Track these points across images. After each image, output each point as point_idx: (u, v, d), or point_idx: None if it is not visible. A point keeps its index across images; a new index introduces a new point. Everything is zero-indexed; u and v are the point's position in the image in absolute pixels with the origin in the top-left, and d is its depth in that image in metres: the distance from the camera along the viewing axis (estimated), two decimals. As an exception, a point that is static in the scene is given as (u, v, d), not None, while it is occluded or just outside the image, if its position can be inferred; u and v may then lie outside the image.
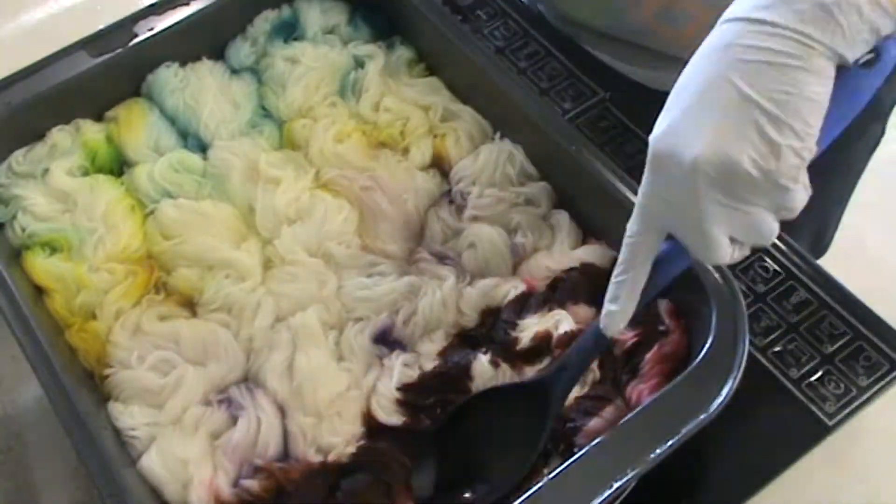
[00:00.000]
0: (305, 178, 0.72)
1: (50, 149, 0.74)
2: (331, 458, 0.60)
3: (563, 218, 0.69)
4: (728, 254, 0.49)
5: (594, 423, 0.59)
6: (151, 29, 0.76)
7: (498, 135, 0.74)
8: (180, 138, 0.76)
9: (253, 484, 0.59)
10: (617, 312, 0.53)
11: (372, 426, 0.61)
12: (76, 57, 0.74)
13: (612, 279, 0.54)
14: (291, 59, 0.78)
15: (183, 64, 0.78)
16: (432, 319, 0.65)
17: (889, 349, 0.69)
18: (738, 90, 0.44)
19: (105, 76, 0.75)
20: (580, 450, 0.54)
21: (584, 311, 0.64)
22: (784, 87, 0.44)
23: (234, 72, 0.79)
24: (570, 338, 0.61)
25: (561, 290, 0.65)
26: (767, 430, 0.67)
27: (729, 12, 0.47)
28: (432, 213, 0.71)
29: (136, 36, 0.75)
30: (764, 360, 0.69)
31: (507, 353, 0.62)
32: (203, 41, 0.79)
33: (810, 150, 0.45)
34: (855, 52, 0.45)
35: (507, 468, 0.58)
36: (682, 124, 0.46)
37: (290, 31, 0.80)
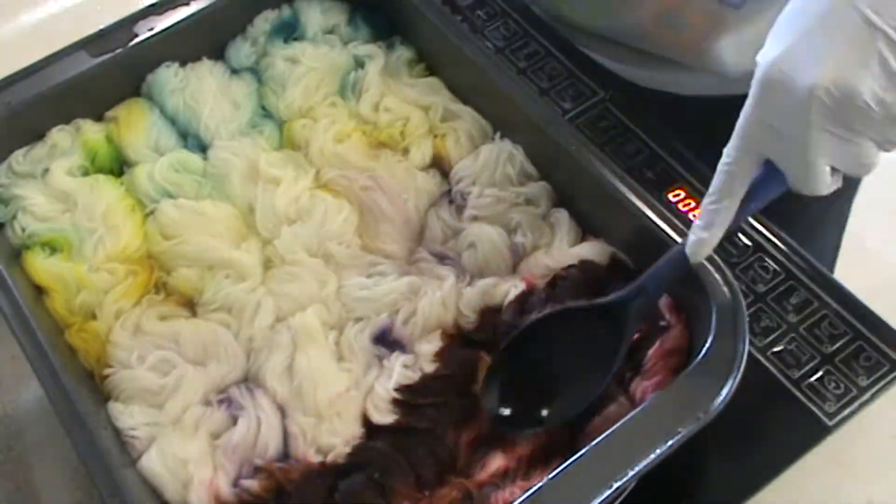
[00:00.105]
0: (305, 178, 0.72)
1: (50, 149, 0.74)
2: (330, 458, 0.60)
3: (562, 216, 0.69)
4: (827, 184, 0.48)
5: (598, 420, 0.59)
6: (151, 29, 0.76)
7: (498, 135, 0.74)
8: (180, 138, 0.76)
9: (253, 484, 0.59)
10: (706, 240, 0.53)
11: (371, 427, 0.61)
12: (76, 57, 0.74)
13: (705, 206, 0.53)
14: (291, 59, 0.78)
15: (183, 64, 0.78)
16: (432, 319, 0.65)
17: (889, 349, 0.69)
18: (864, 17, 0.42)
19: (105, 76, 0.75)
20: (582, 449, 0.54)
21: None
22: None
23: (234, 72, 0.79)
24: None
25: (560, 288, 0.64)
26: (767, 430, 0.67)
27: None
28: (432, 213, 0.71)
29: (136, 36, 0.75)
30: (764, 360, 0.69)
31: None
32: (203, 41, 0.79)
33: None
34: None
35: (581, 387, 0.58)
36: (798, 50, 0.45)
37: (290, 31, 0.80)
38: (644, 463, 0.53)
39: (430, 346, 0.63)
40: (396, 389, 0.61)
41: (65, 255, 0.69)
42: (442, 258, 0.68)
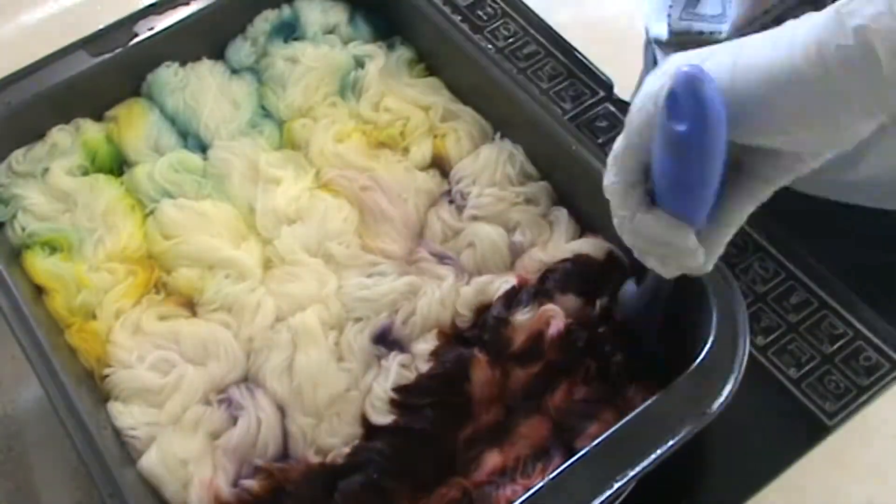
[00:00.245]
0: (305, 178, 0.72)
1: (50, 148, 0.74)
2: (330, 458, 0.60)
3: (561, 214, 0.69)
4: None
5: (595, 426, 0.59)
6: (151, 29, 0.76)
7: (498, 135, 0.74)
8: (180, 138, 0.76)
9: (252, 484, 0.59)
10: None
11: (370, 427, 0.61)
12: (76, 57, 0.74)
13: None
14: (291, 59, 0.78)
15: (183, 64, 0.78)
16: (430, 319, 0.65)
17: (889, 349, 0.69)
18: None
19: (105, 76, 0.75)
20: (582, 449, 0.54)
21: (571, 301, 0.64)
22: None
23: (234, 72, 0.79)
24: (561, 337, 0.61)
25: (550, 280, 0.65)
26: (767, 430, 0.67)
27: None
28: (432, 212, 0.71)
29: (136, 36, 0.75)
30: (764, 360, 0.69)
31: (500, 355, 0.62)
32: (203, 41, 0.79)
33: None
34: None
35: None
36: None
37: (290, 30, 0.80)
38: (644, 463, 0.53)
39: (426, 346, 0.64)
40: (394, 390, 0.61)
41: (65, 255, 0.69)
42: (441, 258, 0.68)
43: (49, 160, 0.73)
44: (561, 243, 0.67)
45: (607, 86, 0.84)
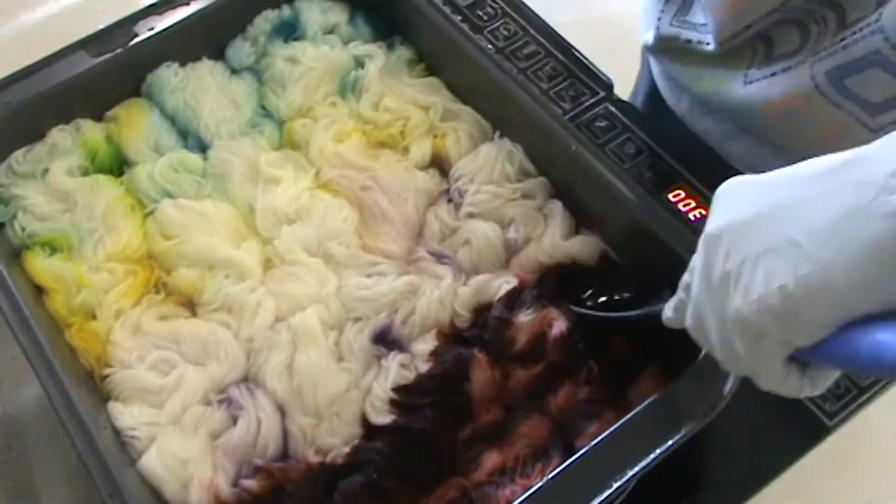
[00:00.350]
0: (305, 178, 0.72)
1: (50, 148, 0.74)
2: (329, 458, 0.60)
3: (556, 207, 0.69)
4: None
5: (595, 426, 0.59)
6: (151, 29, 0.76)
7: (497, 134, 0.74)
8: (180, 138, 0.76)
9: (252, 484, 0.59)
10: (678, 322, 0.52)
11: (370, 427, 0.61)
12: (76, 57, 0.74)
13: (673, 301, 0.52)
14: (291, 59, 0.78)
15: (183, 64, 0.78)
16: (430, 319, 0.65)
17: (889, 349, 0.69)
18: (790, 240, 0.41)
19: (105, 76, 0.75)
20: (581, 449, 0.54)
21: (565, 307, 0.64)
22: None
23: (234, 72, 0.79)
24: (563, 338, 0.61)
25: (548, 286, 0.65)
26: (767, 430, 0.67)
27: None
28: (431, 212, 0.71)
29: (136, 36, 0.75)
30: (764, 360, 0.69)
31: (501, 355, 0.62)
32: (203, 41, 0.79)
33: None
34: None
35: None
36: (740, 230, 0.43)
37: (290, 30, 0.80)
38: (644, 463, 0.53)
39: (425, 346, 0.64)
40: (393, 390, 0.61)
41: (65, 255, 0.69)
42: (440, 257, 0.68)
43: (49, 160, 0.73)
44: (556, 238, 0.67)
45: (607, 86, 0.84)
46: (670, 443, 0.53)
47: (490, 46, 0.86)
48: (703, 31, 0.69)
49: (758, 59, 0.67)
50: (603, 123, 0.81)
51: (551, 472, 0.54)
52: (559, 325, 0.62)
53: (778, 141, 0.72)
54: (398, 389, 0.61)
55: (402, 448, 0.59)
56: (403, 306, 0.65)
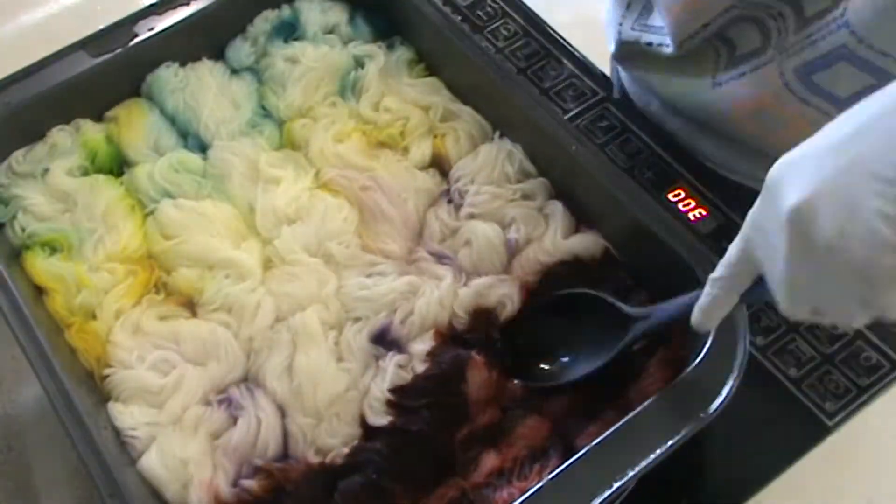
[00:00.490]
0: (305, 178, 0.72)
1: (50, 149, 0.74)
2: (329, 459, 0.60)
3: (557, 207, 0.69)
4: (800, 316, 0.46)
5: (595, 426, 0.59)
6: (151, 29, 0.76)
7: (497, 134, 0.74)
8: (180, 138, 0.76)
9: (252, 484, 0.59)
10: (707, 324, 0.52)
11: (369, 428, 0.61)
12: (76, 57, 0.74)
13: (707, 291, 0.51)
14: (291, 59, 0.78)
15: (183, 64, 0.78)
16: (429, 319, 0.65)
17: (889, 349, 0.69)
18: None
19: (105, 76, 0.75)
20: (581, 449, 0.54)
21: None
22: None
23: (234, 72, 0.79)
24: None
25: (551, 284, 0.65)
26: (767, 430, 0.67)
27: None
28: (431, 212, 0.71)
29: (136, 36, 0.75)
30: (764, 361, 0.69)
31: (502, 361, 0.62)
32: (203, 41, 0.79)
33: None
34: None
35: (580, 359, 0.62)
36: (804, 164, 0.42)
37: (290, 30, 0.80)
38: (644, 463, 0.53)
39: (423, 346, 0.64)
40: (390, 391, 0.61)
41: (65, 255, 0.69)
42: (440, 257, 0.68)
43: (49, 160, 0.73)
44: (557, 238, 0.67)
45: (607, 86, 0.84)
46: (670, 443, 0.53)
47: (490, 46, 0.86)
48: (662, 33, 0.69)
49: (723, 62, 0.67)
50: (603, 123, 0.81)
51: (549, 473, 0.54)
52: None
53: (747, 139, 0.72)
54: (395, 390, 0.61)
55: (401, 448, 0.59)
56: (402, 306, 0.65)
